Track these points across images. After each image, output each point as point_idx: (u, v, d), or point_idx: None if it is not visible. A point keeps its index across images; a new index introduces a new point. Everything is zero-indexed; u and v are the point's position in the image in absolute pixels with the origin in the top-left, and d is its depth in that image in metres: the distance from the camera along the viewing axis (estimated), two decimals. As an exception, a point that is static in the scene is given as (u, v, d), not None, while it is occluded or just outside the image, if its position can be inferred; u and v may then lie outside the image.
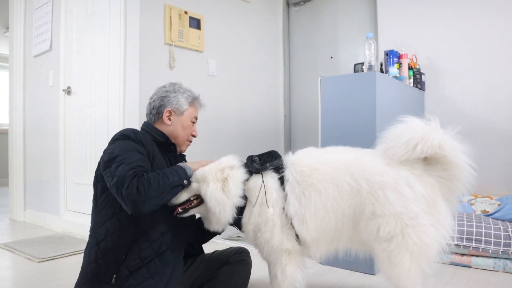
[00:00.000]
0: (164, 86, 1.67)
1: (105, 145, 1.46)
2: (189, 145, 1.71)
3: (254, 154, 1.54)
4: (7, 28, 4.54)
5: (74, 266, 2.39)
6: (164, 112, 1.60)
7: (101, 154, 1.45)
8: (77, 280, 1.45)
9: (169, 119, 1.61)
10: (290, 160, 1.52)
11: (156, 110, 1.62)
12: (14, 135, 3.99)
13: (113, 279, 1.37)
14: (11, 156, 4.01)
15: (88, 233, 1.48)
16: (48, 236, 3.13)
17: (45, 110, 3.66)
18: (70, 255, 2.59)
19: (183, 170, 1.43)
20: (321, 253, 1.51)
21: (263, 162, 1.48)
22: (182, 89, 1.65)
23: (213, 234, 1.67)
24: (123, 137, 1.45)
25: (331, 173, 1.43)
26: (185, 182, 1.41)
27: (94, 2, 3.15)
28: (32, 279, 2.19)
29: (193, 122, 1.68)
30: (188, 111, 1.64)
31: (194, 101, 1.67)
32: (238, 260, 1.73)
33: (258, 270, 1.91)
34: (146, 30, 2.78)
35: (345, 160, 1.45)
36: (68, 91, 3.37)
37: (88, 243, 1.46)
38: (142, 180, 1.28)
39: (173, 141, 1.62)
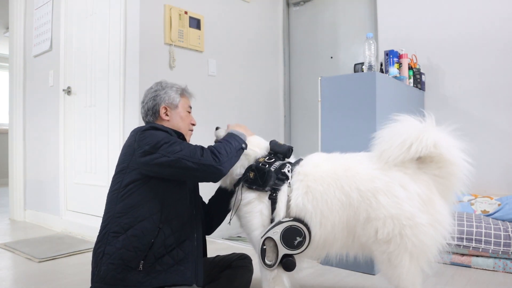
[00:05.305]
0: (151, 88, 1.73)
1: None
2: (191, 134, 1.78)
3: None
4: (7, 28, 4.54)
5: (74, 266, 2.39)
6: (160, 109, 1.66)
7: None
8: (105, 267, 1.42)
9: (167, 114, 1.67)
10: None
11: (152, 111, 1.68)
12: (14, 135, 3.99)
13: (141, 265, 1.41)
14: (11, 156, 4.01)
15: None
16: (48, 236, 3.13)
17: (45, 110, 3.66)
18: (70, 255, 2.59)
19: (237, 135, 1.58)
20: (313, 258, 1.52)
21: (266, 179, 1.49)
22: (169, 84, 1.72)
23: (217, 225, 1.79)
24: (152, 128, 1.51)
25: (321, 190, 1.43)
26: (243, 145, 1.56)
27: (94, 2, 3.15)
28: (32, 279, 2.19)
29: (189, 112, 1.74)
30: (181, 102, 1.71)
31: (183, 92, 1.74)
32: (240, 266, 1.76)
33: (259, 277, 1.91)
34: (146, 30, 2.78)
35: (335, 173, 1.45)
36: (68, 91, 3.37)
37: (110, 232, 1.44)
38: (211, 149, 1.44)
39: None
